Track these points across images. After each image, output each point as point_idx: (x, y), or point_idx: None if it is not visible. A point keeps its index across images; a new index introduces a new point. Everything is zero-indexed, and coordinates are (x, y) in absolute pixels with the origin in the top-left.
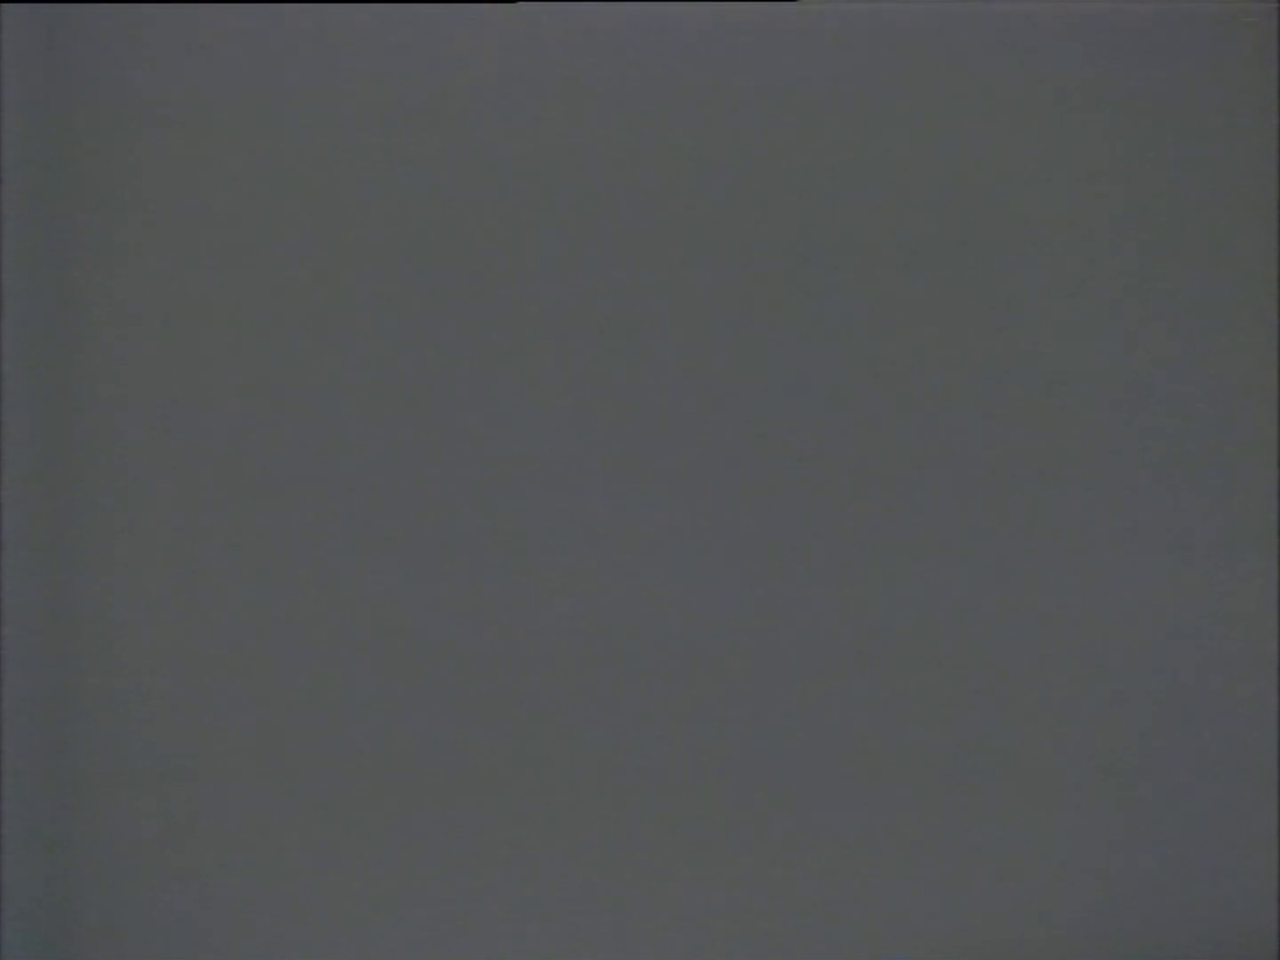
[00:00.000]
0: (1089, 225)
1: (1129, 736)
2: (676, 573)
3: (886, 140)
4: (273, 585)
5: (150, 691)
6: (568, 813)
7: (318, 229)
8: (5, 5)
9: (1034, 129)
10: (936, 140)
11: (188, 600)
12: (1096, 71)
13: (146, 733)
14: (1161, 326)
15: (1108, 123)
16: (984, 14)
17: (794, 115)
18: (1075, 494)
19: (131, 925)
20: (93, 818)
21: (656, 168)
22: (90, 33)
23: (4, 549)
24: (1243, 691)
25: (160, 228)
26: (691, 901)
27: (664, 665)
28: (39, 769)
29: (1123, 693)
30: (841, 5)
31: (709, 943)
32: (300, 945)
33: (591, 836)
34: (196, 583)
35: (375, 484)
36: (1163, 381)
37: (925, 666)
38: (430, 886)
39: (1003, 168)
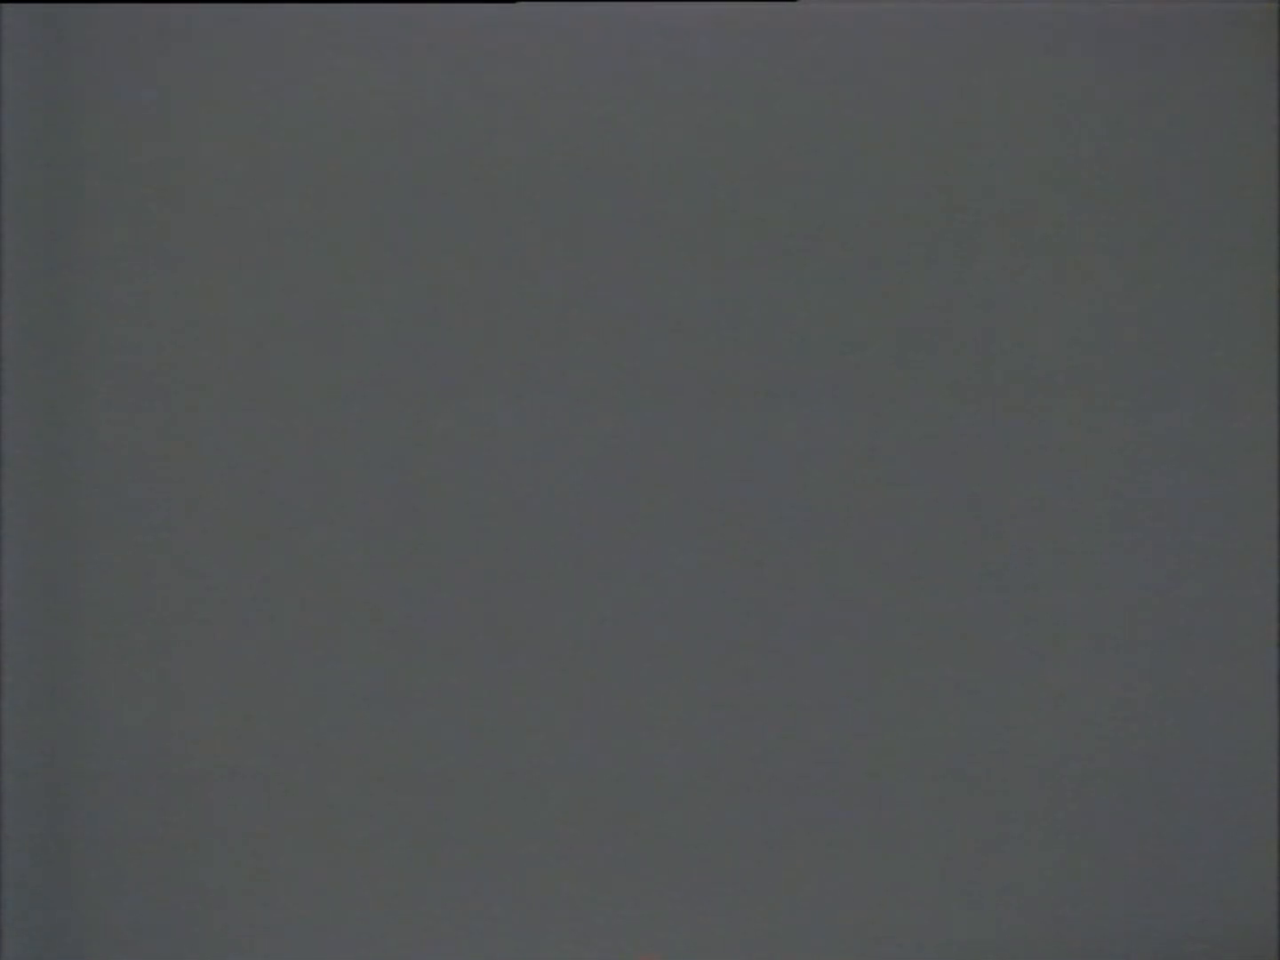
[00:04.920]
0: (1089, 225)
1: (1129, 736)
2: (675, 572)
3: (887, 139)
4: (274, 585)
5: (150, 692)
6: (568, 815)
7: (319, 229)
8: (5, 5)
9: (1034, 129)
10: (936, 140)
11: (188, 601)
12: (1096, 71)
13: (146, 734)
14: (1162, 326)
15: (1108, 123)
16: (984, 14)
17: (794, 115)
18: (1075, 495)
19: (131, 925)
20: (93, 819)
21: (656, 167)
22: (90, 33)
23: (4, 548)
24: (1243, 691)
25: (160, 228)
26: (690, 902)
27: (664, 665)
28: (39, 771)
29: (1123, 692)
30: (841, 5)
31: (708, 943)
32: (300, 945)
33: (591, 838)
34: (198, 583)
35: (377, 484)
36: (1163, 381)
37: (925, 666)
38: (430, 887)
39: (1003, 167)
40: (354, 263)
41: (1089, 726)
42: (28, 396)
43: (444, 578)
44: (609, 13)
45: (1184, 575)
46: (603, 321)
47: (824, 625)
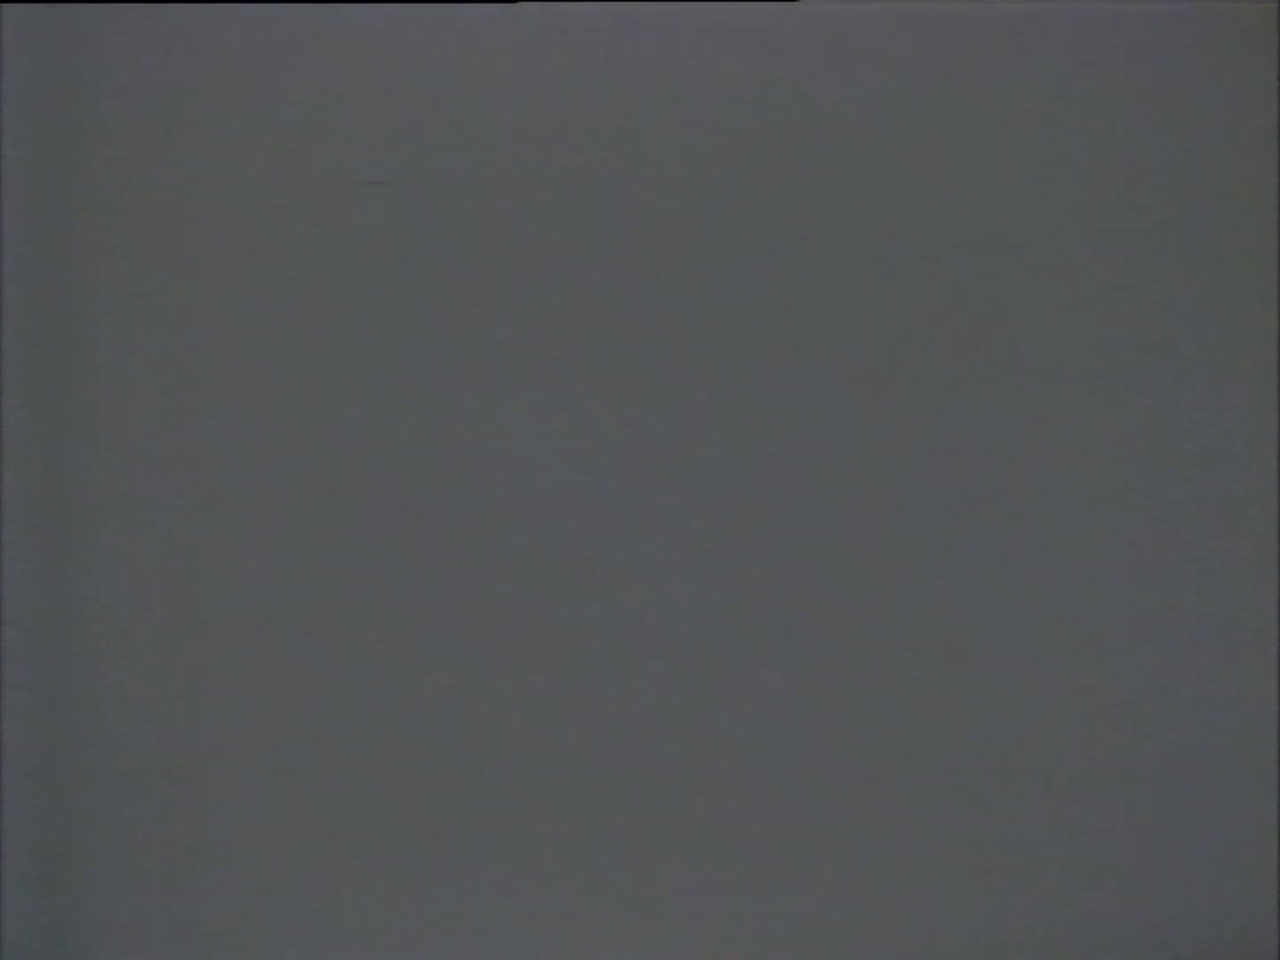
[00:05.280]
0: (1089, 226)
1: (1129, 737)
2: (675, 571)
3: (887, 140)
4: (274, 585)
5: (150, 692)
6: (568, 816)
7: (319, 229)
8: (5, 5)
9: (1034, 129)
10: (936, 140)
11: (188, 601)
12: (1096, 71)
13: (146, 734)
14: (1161, 326)
15: (1108, 123)
16: (984, 14)
17: (794, 115)
18: (1074, 494)
19: (131, 925)
20: (92, 820)
21: (656, 168)
22: (90, 33)
23: (4, 550)
24: (1243, 692)
25: (161, 228)
26: (691, 902)
27: (664, 666)
28: (39, 770)
29: (1122, 693)
30: (841, 5)
31: (707, 943)
32: (300, 946)
33: (590, 838)
34: (197, 583)
35: (377, 484)
36: (1163, 382)
37: (924, 668)
38: (431, 887)
39: (1002, 167)
40: (356, 262)
41: (1088, 726)
42: (28, 396)
43: (447, 577)
44: (609, 13)
45: (1185, 572)
46: (603, 320)
47: (824, 625)
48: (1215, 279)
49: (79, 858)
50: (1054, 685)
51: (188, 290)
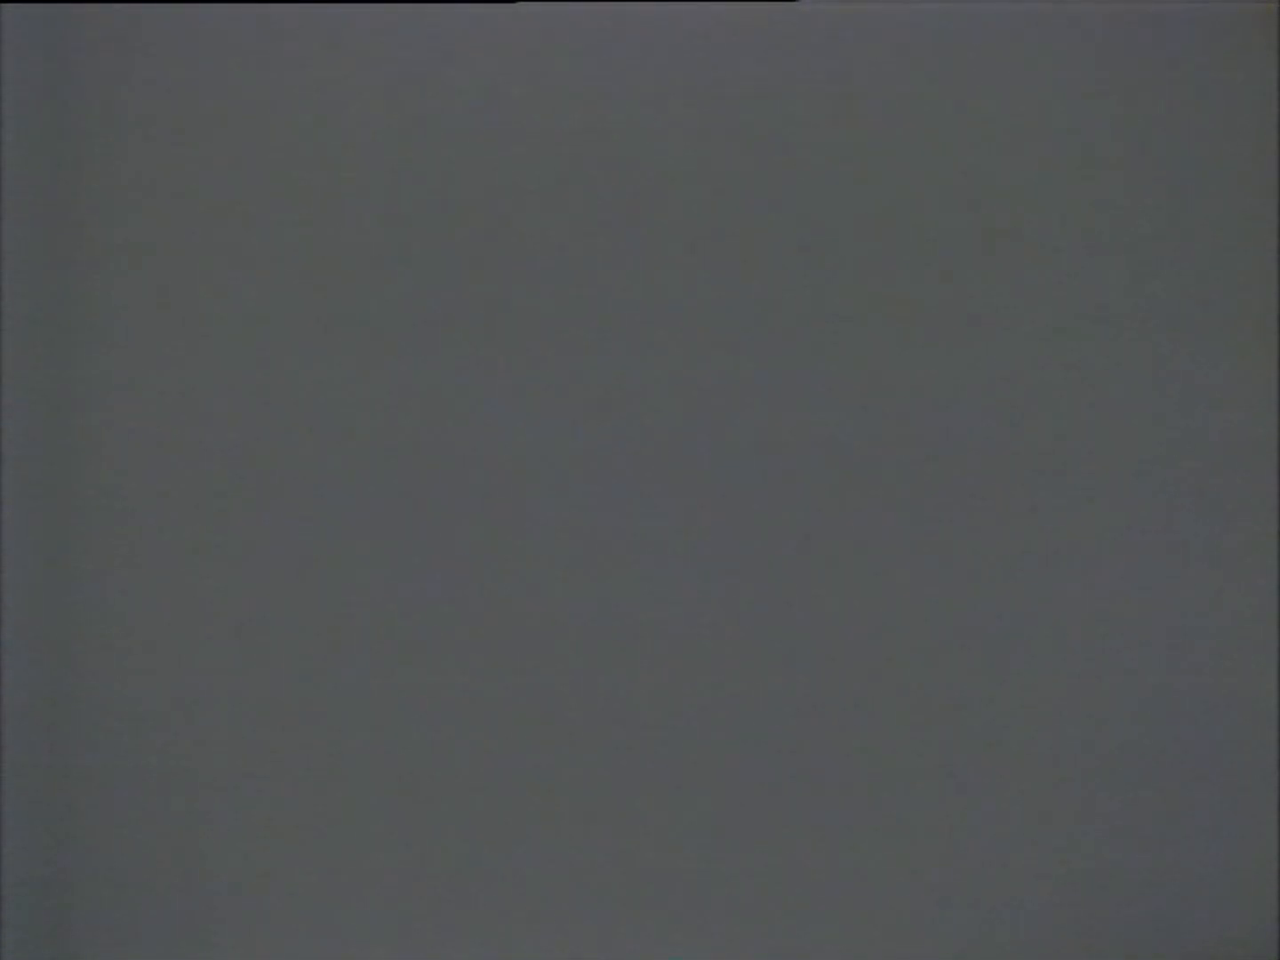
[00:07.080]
0: (1088, 226)
1: (1128, 737)
2: (675, 572)
3: (886, 140)
4: (273, 586)
5: (150, 692)
6: (567, 815)
7: (319, 230)
8: (5, 5)
9: (1034, 129)
10: (936, 141)
11: (188, 601)
12: (1096, 71)
13: (146, 733)
14: (1161, 327)
15: (1108, 122)
16: (984, 14)
17: (794, 115)
18: (1074, 494)
19: (131, 925)
20: (93, 818)
21: (656, 168)
22: (90, 33)
23: (4, 550)
24: (1243, 692)
25: (161, 228)
26: (691, 902)
27: (663, 666)
28: (39, 769)
29: (1122, 693)
30: (841, 5)
31: (708, 943)
32: (300, 946)
33: (590, 837)
34: (197, 584)
35: (377, 486)
36: (1161, 382)
37: (924, 667)
38: (430, 887)
39: (1002, 168)
40: (356, 262)
41: (1088, 726)
42: (28, 396)
43: (447, 577)
44: (609, 13)
45: (1184, 576)
46: (604, 318)
47: (822, 626)
48: (1215, 279)
49: (79, 858)
50: (1054, 686)
51: (188, 289)
